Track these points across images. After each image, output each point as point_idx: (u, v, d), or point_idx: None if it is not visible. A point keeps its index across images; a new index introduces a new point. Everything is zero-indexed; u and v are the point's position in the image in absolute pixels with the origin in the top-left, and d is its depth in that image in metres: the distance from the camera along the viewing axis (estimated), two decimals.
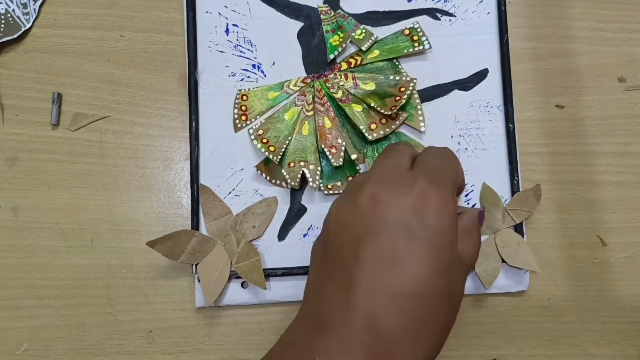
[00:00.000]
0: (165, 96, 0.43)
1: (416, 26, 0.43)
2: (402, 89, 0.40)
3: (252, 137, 0.41)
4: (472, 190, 0.41)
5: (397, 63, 0.42)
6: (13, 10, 0.43)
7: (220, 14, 0.43)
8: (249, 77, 0.42)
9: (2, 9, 0.43)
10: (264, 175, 0.41)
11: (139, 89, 0.43)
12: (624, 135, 0.43)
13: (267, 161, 0.41)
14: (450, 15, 0.43)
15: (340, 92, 0.41)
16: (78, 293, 0.41)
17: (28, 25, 0.43)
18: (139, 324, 0.41)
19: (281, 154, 0.40)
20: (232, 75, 0.42)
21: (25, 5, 0.43)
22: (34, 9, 0.44)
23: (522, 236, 0.40)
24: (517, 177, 0.41)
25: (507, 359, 0.41)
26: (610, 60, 0.44)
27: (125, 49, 0.44)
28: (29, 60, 0.43)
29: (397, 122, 0.41)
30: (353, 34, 0.42)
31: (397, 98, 0.40)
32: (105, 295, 0.41)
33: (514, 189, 0.41)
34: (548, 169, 0.43)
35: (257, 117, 0.42)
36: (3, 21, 0.43)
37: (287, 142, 0.41)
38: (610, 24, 0.44)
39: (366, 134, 0.40)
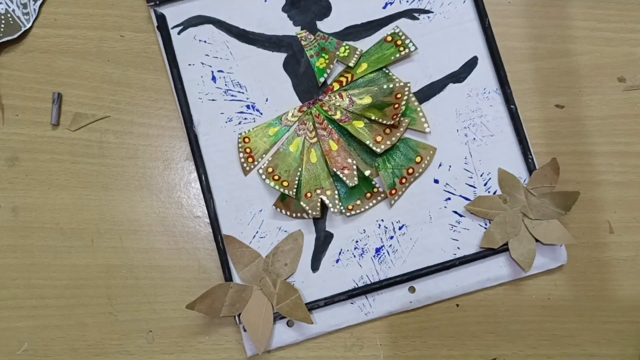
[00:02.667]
0: (166, 96, 0.43)
1: (397, 31, 0.43)
2: (399, 96, 0.40)
3: (263, 176, 0.41)
4: (490, 179, 0.41)
5: (387, 71, 0.42)
6: (13, 11, 0.43)
7: (203, 63, 0.43)
8: (245, 118, 0.42)
9: (2, 9, 0.43)
10: (283, 211, 0.41)
11: (139, 89, 0.43)
12: (624, 135, 0.43)
13: (283, 197, 0.41)
14: (428, 12, 0.43)
15: (338, 112, 0.41)
16: (78, 293, 0.41)
17: (28, 25, 0.43)
18: (139, 324, 0.41)
19: (295, 187, 0.40)
20: (229, 121, 0.42)
21: (25, 5, 0.43)
22: (34, 9, 0.44)
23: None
24: (531, 154, 0.41)
25: (507, 359, 0.41)
26: (610, 60, 0.44)
27: (125, 49, 0.44)
28: (29, 60, 0.43)
29: (401, 129, 0.41)
30: (337, 53, 0.42)
31: (396, 106, 0.40)
32: (105, 295, 0.41)
33: (530, 167, 0.41)
34: None
35: (263, 155, 0.42)
36: (3, 21, 0.43)
37: (299, 173, 0.41)
38: (610, 23, 0.44)
39: (374, 148, 0.40)
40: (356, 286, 0.40)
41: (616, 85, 0.43)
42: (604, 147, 0.43)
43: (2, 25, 0.43)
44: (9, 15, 0.43)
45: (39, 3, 0.44)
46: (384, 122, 0.40)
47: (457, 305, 0.41)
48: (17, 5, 0.43)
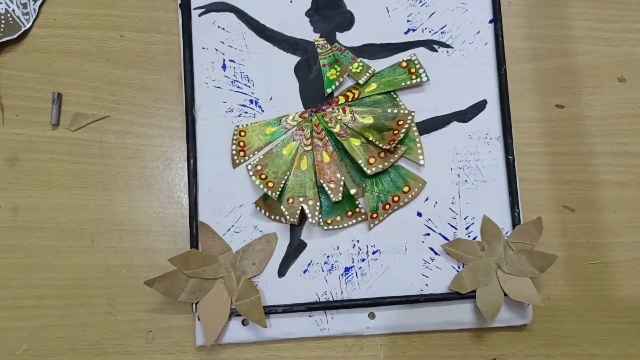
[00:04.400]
0: (165, 96, 0.43)
1: (413, 58, 0.42)
2: (401, 123, 0.40)
3: (251, 172, 0.41)
4: (473, 223, 0.41)
5: (395, 96, 0.42)
6: (13, 10, 0.43)
7: (217, 49, 0.43)
8: (246, 112, 0.42)
9: (2, 9, 0.43)
10: (263, 211, 0.41)
11: (139, 89, 0.43)
12: (624, 135, 0.43)
13: (265, 197, 0.41)
14: (448, 46, 0.43)
15: (338, 126, 0.41)
16: (78, 293, 0.41)
17: (28, 25, 0.43)
18: (139, 324, 0.41)
19: (280, 190, 0.40)
20: (230, 111, 0.42)
21: (25, 5, 0.43)
22: (34, 9, 0.44)
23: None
24: (518, 209, 0.41)
25: (507, 359, 0.41)
26: (610, 60, 0.44)
27: (125, 49, 0.44)
28: (29, 60, 0.43)
29: (396, 156, 0.40)
30: (350, 67, 0.42)
31: (396, 132, 0.40)
32: (105, 295, 0.41)
33: (515, 221, 0.41)
34: (548, 169, 0.43)
35: (256, 152, 0.42)
36: (3, 21, 0.43)
37: (286, 177, 0.40)
38: (610, 24, 0.44)
39: (365, 168, 0.40)
40: (318, 300, 0.40)
41: (616, 85, 0.43)
42: (604, 147, 0.43)
43: (2, 25, 0.43)
44: (9, 15, 0.43)
45: (39, 3, 0.44)
46: (381, 145, 0.40)
47: None
48: (17, 5, 0.43)
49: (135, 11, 0.44)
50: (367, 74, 0.42)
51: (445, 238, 0.41)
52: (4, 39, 0.43)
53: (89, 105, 0.43)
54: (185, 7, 0.42)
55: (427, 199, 0.41)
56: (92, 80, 0.43)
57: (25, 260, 0.41)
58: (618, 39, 0.43)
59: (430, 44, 0.43)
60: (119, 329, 0.41)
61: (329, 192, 0.40)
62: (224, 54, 0.43)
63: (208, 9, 0.43)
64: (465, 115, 0.42)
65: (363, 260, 0.41)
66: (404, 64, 0.42)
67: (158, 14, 0.44)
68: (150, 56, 0.43)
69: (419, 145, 0.41)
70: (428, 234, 0.41)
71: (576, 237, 0.42)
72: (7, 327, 0.41)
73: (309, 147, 0.41)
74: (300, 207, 0.40)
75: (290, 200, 0.40)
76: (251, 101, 0.42)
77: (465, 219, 0.41)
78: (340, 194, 0.40)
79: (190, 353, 0.41)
